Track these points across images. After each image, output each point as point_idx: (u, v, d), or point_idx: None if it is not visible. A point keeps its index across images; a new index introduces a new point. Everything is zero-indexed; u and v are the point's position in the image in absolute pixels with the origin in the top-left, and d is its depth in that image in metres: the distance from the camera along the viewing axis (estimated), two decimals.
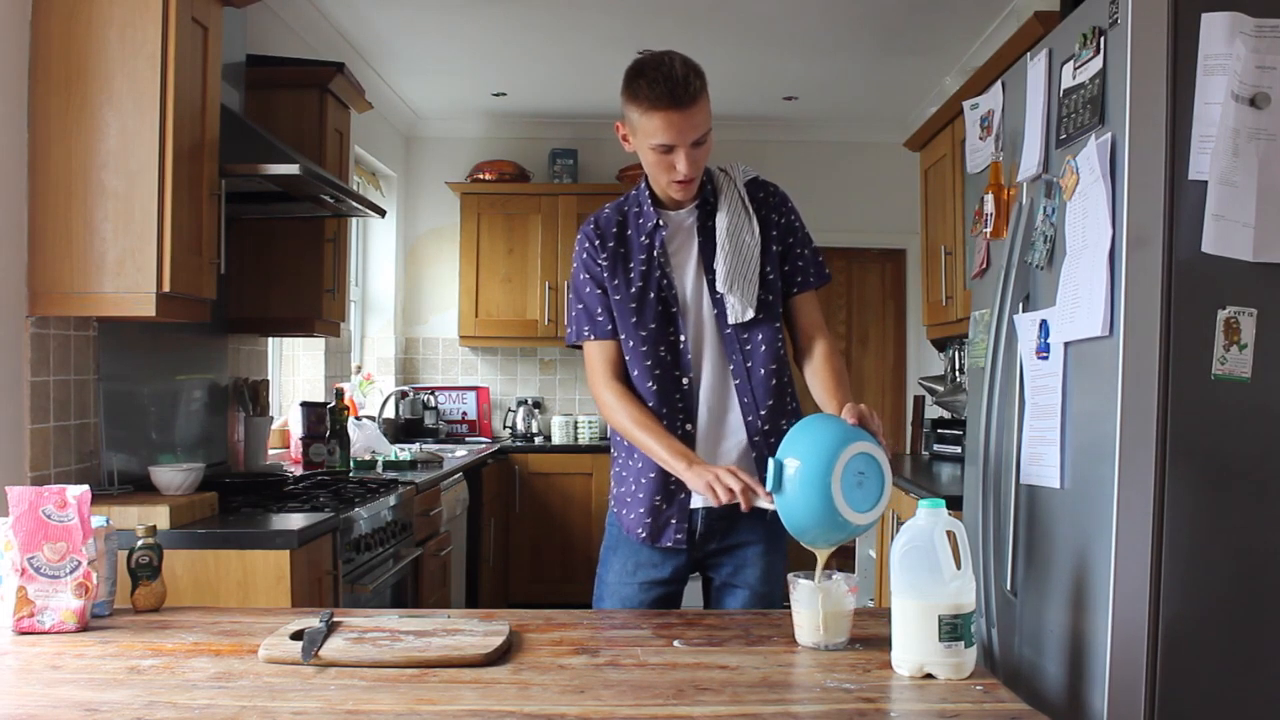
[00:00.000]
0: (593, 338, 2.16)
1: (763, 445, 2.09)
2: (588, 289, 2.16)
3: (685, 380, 2.11)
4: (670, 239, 2.14)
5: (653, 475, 2.12)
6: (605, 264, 2.14)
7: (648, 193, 2.15)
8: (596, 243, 2.16)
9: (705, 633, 1.70)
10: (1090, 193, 1.92)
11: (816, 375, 2.12)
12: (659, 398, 2.10)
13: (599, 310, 2.15)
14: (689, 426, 2.10)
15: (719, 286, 2.08)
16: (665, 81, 1.97)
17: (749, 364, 2.11)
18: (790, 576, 1.69)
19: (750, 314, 2.08)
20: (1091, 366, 1.94)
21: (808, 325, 2.17)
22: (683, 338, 2.11)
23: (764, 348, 2.11)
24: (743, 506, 1.85)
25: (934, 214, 4.39)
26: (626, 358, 2.15)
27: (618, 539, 2.22)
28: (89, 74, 2.36)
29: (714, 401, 2.11)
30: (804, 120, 6.04)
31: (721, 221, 2.11)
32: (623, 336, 2.14)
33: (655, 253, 2.12)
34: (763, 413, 2.12)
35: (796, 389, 2.21)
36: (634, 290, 2.12)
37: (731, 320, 2.09)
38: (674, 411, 2.10)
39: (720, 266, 2.09)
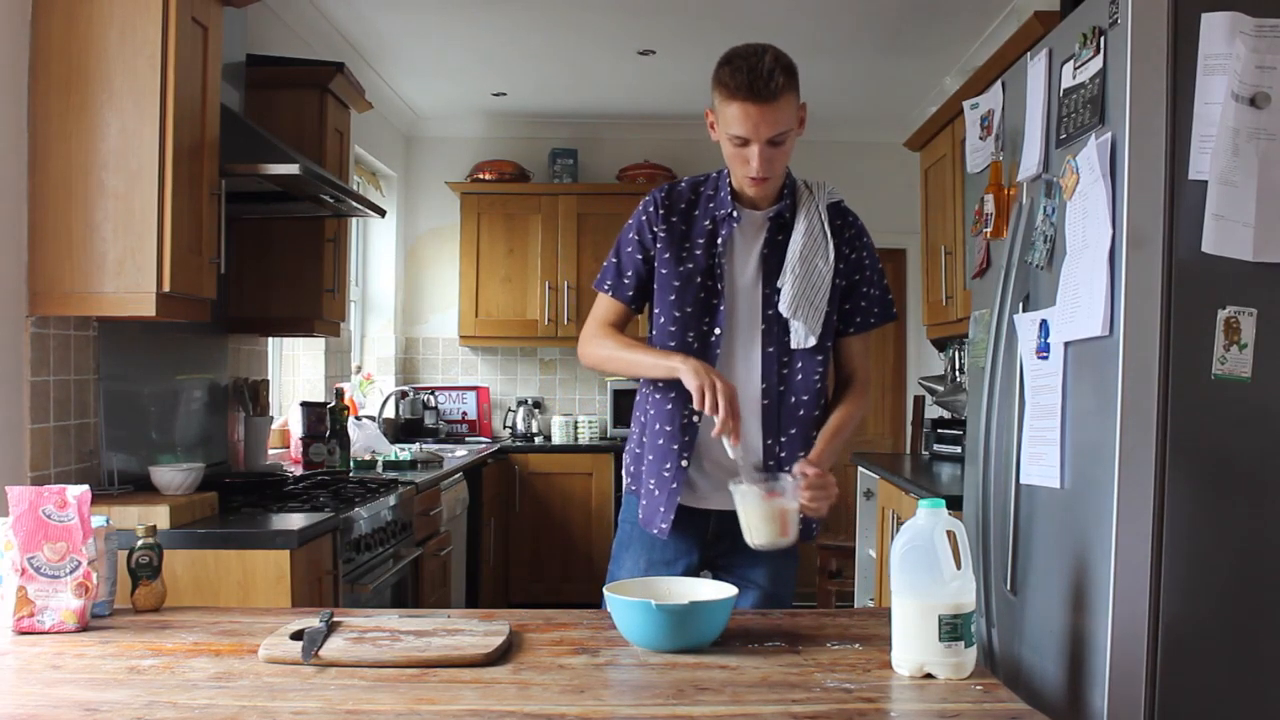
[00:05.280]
0: (610, 293, 2.16)
1: (775, 470, 2.03)
2: (629, 248, 2.14)
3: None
4: (738, 234, 2.10)
5: (678, 465, 2.10)
6: (662, 235, 2.11)
7: (728, 180, 2.11)
8: (661, 212, 2.12)
9: None
10: (1090, 193, 1.92)
11: (829, 413, 2.13)
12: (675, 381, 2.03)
13: (629, 274, 2.14)
14: (695, 418, 2.07)
15: (783, 309, 2.04)
16: (749, 72, 1.93)
17: (783, 388, 2.08)
18: (731, 484, 1.83)
19: (813, 341, 2.05)
20: (1091, 366, 1.94)
21: (849, 363, 2.16)
22: (718, 331, 2.08)
23: (800, 376, 2.08)
24: (713, 432, 1.88)
25: (934, 214, 4.39)
26: (654, 333, 2.13)
27: (630, 535, 2.21)
28: (89, 74, 2.36)
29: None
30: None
31: (797, 240, 2.07)
32: (656, 311, 2.13)
33: (719, 241, 2.09)
34: (783, 439, 2.08)
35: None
36: (683, 270, 2.08)
37: (794, 345, 2.07)
38: (683, 397, 2.02)
39: (788, 289, 2.04)
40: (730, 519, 1.98)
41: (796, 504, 1.86)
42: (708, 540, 2.14)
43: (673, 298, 2.09)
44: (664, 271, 2.11)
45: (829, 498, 1.92)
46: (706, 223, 2.10)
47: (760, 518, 1.87)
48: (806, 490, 1.89)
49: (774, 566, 2.14)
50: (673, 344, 2.08)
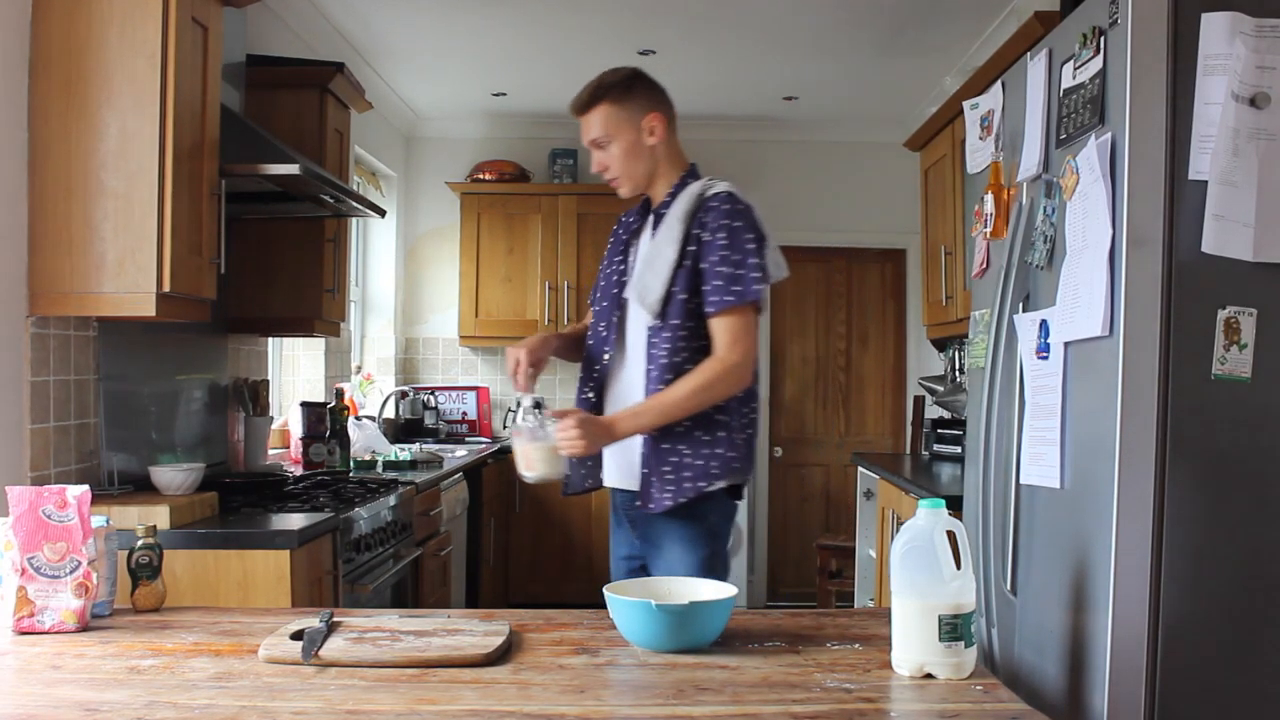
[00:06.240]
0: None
1: (647, 440, 2.23)
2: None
3: (605, 357, 2.36)
4: (635, 235, 2.42)
5: None
6: (608, 247, 2.50)
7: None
8: (615, 228, 2.51)
9: None
10: (1090, 193, 1.92)
11: None
12: (584, 365, 2.43)
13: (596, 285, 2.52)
14: (591, 395, 2.38)
15: (627, 291, 2.33)
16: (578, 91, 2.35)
17: (650, 366, 2.27)
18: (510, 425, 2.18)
19: (650, 320, 2.27)
20: (1091, 366, 1.94)
21: (711, 342, 2.25)
22: (613, 318, 2.36)
23: (663, 358, 2.25)
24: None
25: (934, 214, 4.39)
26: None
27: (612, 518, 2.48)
28: (89, 74, 2.36)
29: (620, 385, 2.34)
30: (804, 120, 6.04)
31: (656, 232, 2.32)
32: None
33: (619, 243, 2.45)
34: (622, 407, 2.31)
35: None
36: (599, 272, 2.51)
37: (631, 321, 2.33)
38: (587, 379, 2.40)
39: (633, 273, 2.33)
40: (627, 496, 2.32)
41: (553, 443, 2.12)
42: (633, 518, 2.35)
43: (591, 298, 2.54)
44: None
45: (580, 439, 2.11)
46: (619, 229, 2.50)
47: (521, 453, 2.16)
48: (560, 432, 2.12)
49: (673, 557, 2.26)
50: (589, 334, 2.47)
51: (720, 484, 2.23)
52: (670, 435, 2.22)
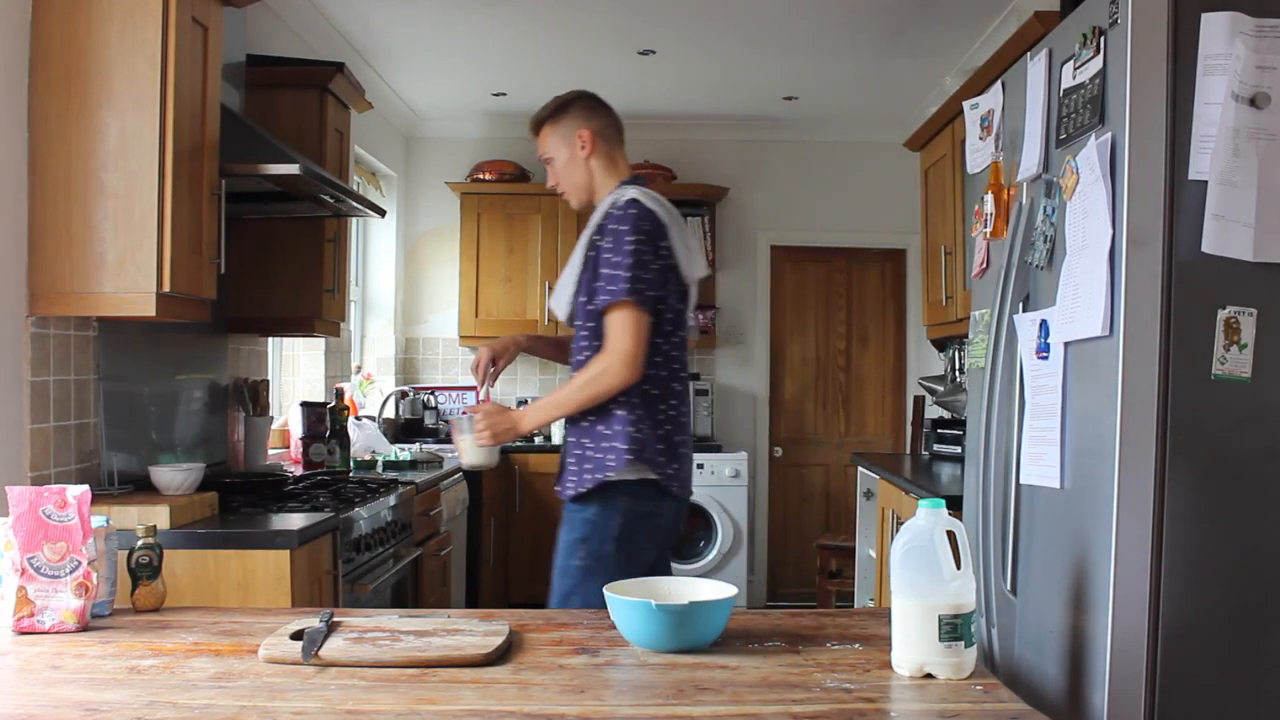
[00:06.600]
0: None
1: (571, 427, 2.50)
2: None
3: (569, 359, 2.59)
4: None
5: None
6: None
7: None
8: None
9: None
10: (1090, 193, 1.92)
11: None
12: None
13: None
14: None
15: (549, 301, 2.69)
16: None
17: (571, 366, 2.53)
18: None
19: (562, 317, 2.56)
20: (1091, 366, 1.94)
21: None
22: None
23: (579, 357, 2.48)
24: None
25: (934, 214, 4.39)
26: None
27: None
28: (89, 74, 2.36)
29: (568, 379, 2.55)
30: (804, 120, 6.04)
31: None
32: None
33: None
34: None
35: (629, 393, 2.42)
36: None
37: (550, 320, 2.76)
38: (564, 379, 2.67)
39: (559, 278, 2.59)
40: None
41: (473, 435, 2.49)
42: None
43: None
44: None
45: (488, 430, 2.47)
46: None
47: (455, 444, 2.56)
48: (475, 424, 2.48)
49: (560, 542, 2.62)
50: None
51: (613, 476, 2.39)
52: (576, 429, 2.46)
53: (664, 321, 2.44)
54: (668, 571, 2.59)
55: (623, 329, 2.36)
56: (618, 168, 2.59)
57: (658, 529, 2.49)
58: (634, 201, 2.41)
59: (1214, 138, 1.80)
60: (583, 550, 2.50)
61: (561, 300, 2.53)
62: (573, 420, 2.47)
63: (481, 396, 2.62)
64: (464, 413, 2.81)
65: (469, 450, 2.52)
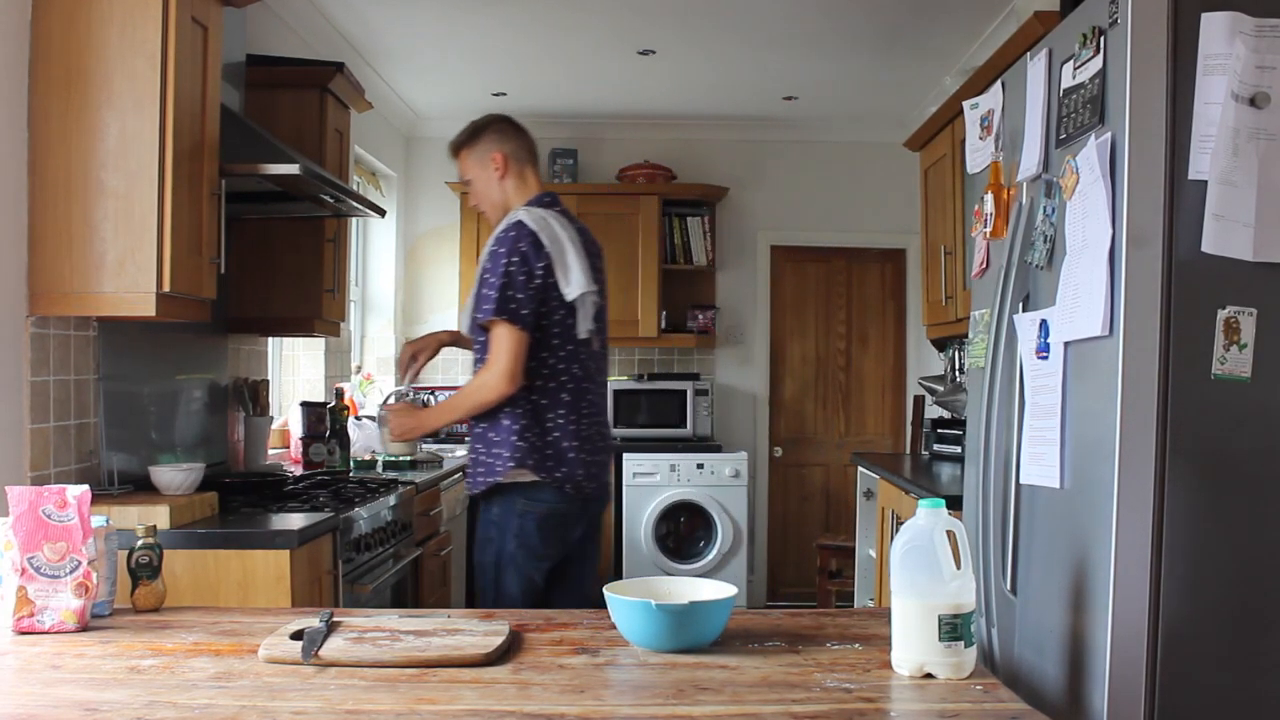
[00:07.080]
0: None
1: (473, 431, 2.73)
2: None
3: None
4: None
5: None
6: None
7: None
8: None
9: None
10: (1090, 192, 1.92)
11: None
12: None
13: None
14: None
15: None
16: None
17: (474, 369, 2.72)
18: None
19: (465, 332, 2.77)
20: (1091, 366, 1.94)
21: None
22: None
23: (475, 364, 2.71)
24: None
25: (934, 214, 4.39)
26: None
27: None
28: (89, 74, 2.36)
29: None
30: (804, 120, 6.04)
31: None
32: None
33: None
34: None
35: (515, 403, 2.64)
36: None
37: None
38: None
39: None
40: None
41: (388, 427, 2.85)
42: None
43: None
44: None
45: (396, 428, 2.85)
46: None
47: (377, 434, 3.01)
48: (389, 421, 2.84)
49: (475, 538, 2.78)
50: None
51: (501, 479, 2.61)
52: (474, 434, 2.71)
53: (549, 336, 2.62)
54: (591, 568, 2.82)
55: (497, 345, 2.57)
56: (528, 186, 2.79)
57: (560, 527, 2.68)
58: (518, 224, 2.61)
59: (1214, 137, 1.80)
60: (491, 548, 2.67)
61: (464, 316, 2.75)
62: (474, 425, 2.71)
63: (403, 391, 2.96)
64: (381, 408, 3.21)
65: (386, 441, 3.21)
